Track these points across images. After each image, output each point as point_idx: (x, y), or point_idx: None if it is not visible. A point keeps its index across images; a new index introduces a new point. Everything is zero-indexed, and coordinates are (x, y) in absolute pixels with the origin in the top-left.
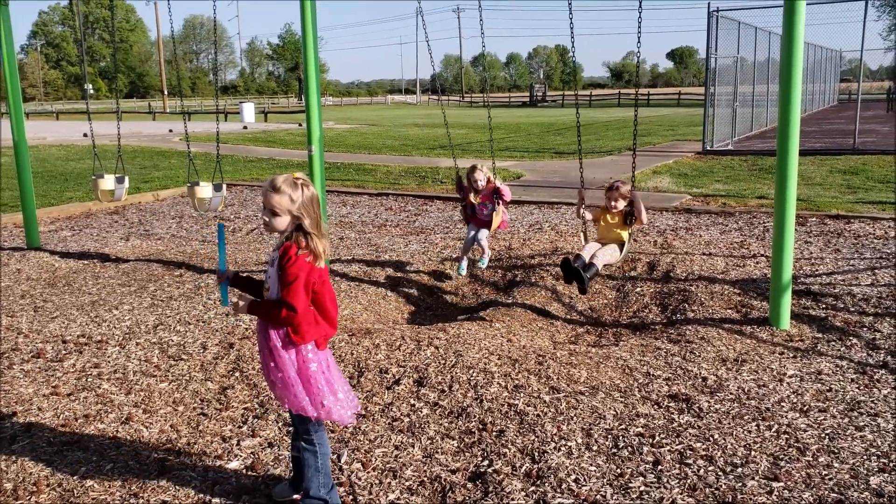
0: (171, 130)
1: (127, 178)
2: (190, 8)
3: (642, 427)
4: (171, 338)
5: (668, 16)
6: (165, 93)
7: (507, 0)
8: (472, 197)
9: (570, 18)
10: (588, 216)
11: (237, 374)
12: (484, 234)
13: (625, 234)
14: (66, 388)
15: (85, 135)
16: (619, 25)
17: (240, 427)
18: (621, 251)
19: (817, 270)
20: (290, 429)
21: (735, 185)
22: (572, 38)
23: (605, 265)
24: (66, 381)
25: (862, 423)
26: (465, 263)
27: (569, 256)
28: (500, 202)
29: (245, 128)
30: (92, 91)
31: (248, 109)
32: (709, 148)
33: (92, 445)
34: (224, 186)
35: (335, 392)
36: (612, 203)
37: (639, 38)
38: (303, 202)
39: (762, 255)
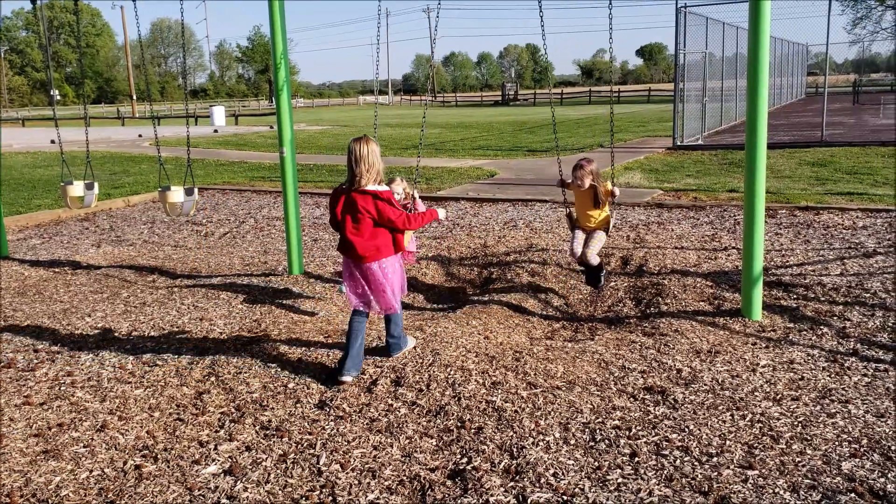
0: (140, 135)
1: (97, 185)
2: (157, 11)
3: (619, 420)
4: (145, 344)
5: (637, 13)
6: (134, 98)
7: (477, 0)
8: None
9: (542, 17)
10: (565, 179)
11: (213, 378)
12: None
13: (603, 214)
14: (38, 398)
15: (52, 141)
16: (588, 24)
17: (217, 431)
18: (606, 232)
19: (788, 262)
20: (267, 431)
21: (706, 179)
22: (544, 37)
23: (595, 254)
24: (38, 390)
25: (833, 410)
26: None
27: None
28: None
29: (216, 131)
30: (59, 97)
31: (219, 113)
32: (679, 143)
33: (67, 455)
34: (196, 190)
35: None
36: (578, 182)
37: (610, 35)
38: None
39: (733, 248)
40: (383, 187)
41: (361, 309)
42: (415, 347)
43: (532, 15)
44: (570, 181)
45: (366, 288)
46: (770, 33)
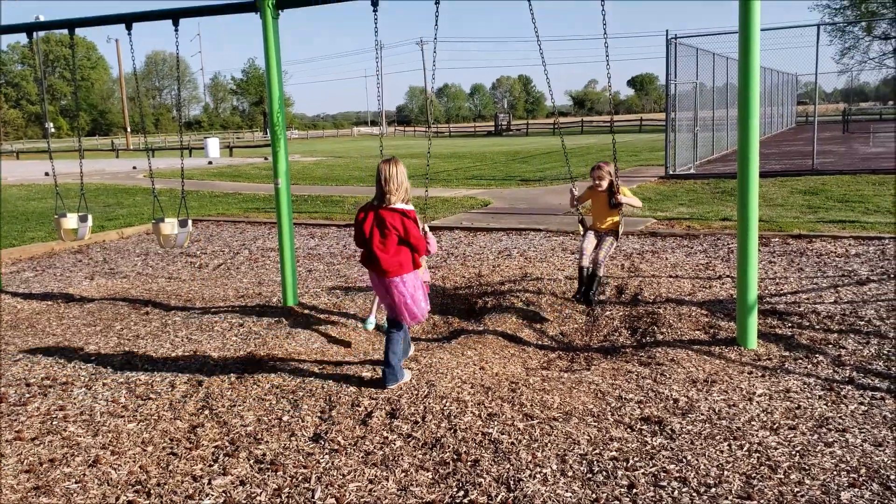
0: (134, 167)
1: (90, 217)
2: (152, 44)
3: (616, 451)
4: (138, 377)
5: (628, 44)
6: (128, 130)
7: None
8: None
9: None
10: (576, 192)
11: (207, 411)
12: None
13: (616, 217)
14: (30, 433)
15: (47, 174)
16: (580, 55)
17: (210, 466)
18: (616, 238)
19: (782, 290)
20: (261, 465)
21: (698, 207)
22: (545, 67)
23: (607, 259)
24: (30, 425)
25: (831, 439)
26: (372, 318)
27: (581, 266)
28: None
29: (210, 163)
30: (53, 129)
31: (213, 144)
32: (671, 172)
33: (58, 490)
34: (190, 222)
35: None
36: (597, 182)
37: (607, 63)
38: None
39: (728, 276)
40: (409, 206)
41: (396, 318)
42: (410, 380)
43: (525, 47)
44: (580, 195)
45: (391, 301)
46: (760, 63)
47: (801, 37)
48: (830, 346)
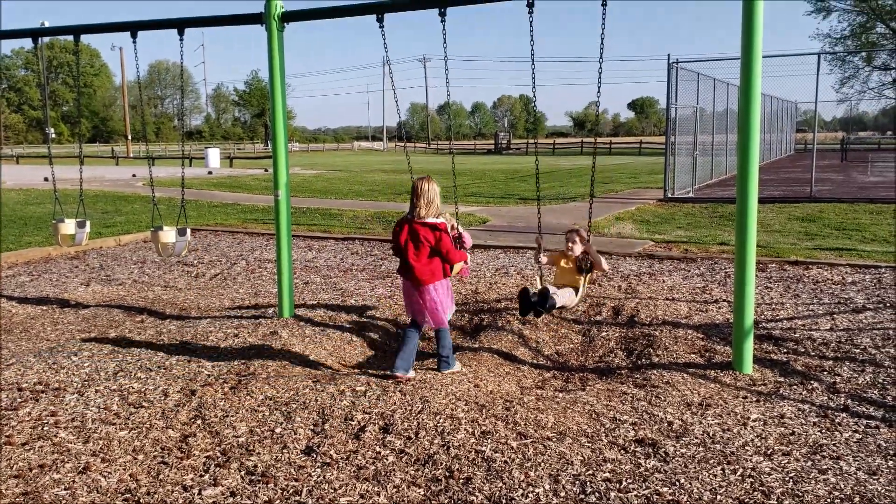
0: (134, 175)
1: (88, 223)
2: (156, 53)
3: (609, 472)
4: (131, 385)
5: (630, 67)
6: (129, 137)
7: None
8: None
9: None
10: (544, 260)
11: (199, 421)
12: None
13: (580, 281)
14: (20, 438)
15: (46, 179)
16: (581, 77)
17: (201, 476)
18: (577, 295)
19: (778, 315)
20: (253, 477)
21: (696, 231)
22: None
23: (560, 307)
24: (20, 430)
25: (825, 467)
26: None
27: (527, 287)
28: (462, 246)
29: (210, 173)
30: (54, 135)
31: (213, 155)
32: (670, 195)
33: (47, 497)
34: (188, 231)
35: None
36: (570, 245)
37: (599, 89)
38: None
39: (724, 301)
40: (440, 220)
41: (417, 321)
42: (403, 394)
43: (527, 66)
44: (548, 254)
45: (421, 306)
46: (761, 89)
47: (801, 65)
48: (826, 373)
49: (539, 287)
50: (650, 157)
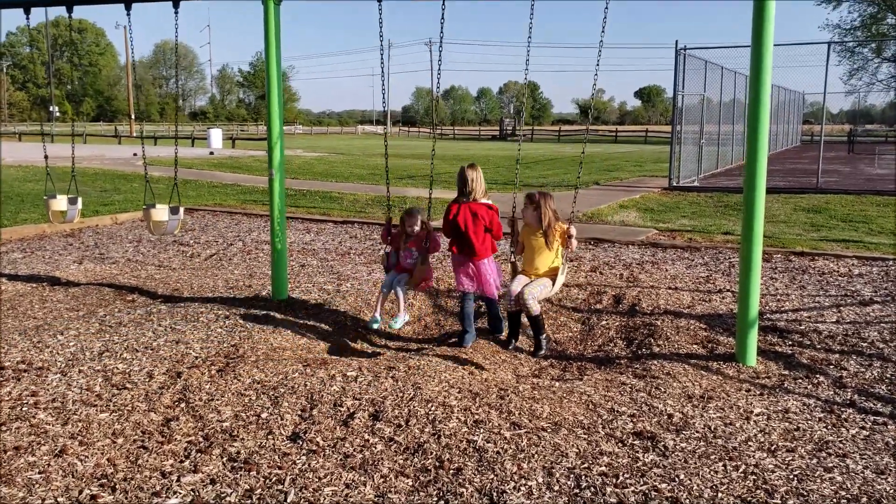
0: (135, 154)
1: (80, 200)
2: (162, 33)
3: (606, 466)
4: (116, 365)
5: (637, 55)
6: (133, 117)
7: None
8: (401, 243)
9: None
10: (515, 251)
11: (183, 404)
12: (402, 286)
13: (552, 262)
14: None
15: (46, 156)
16: (588, 63)
17: (181, 462)
18: (553, 283)
19: (783, 307)
20: (235, 464)
21: (701, 220)
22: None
23: (540, 300)
24: None
25: (831, 465)
26: (378, 314)
27: (507, 310)
28: (428, 251)
29: (212, 153)
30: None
31: (216, 135)
32: (675, 184)
33: (20, 481)
34: (181, 209)
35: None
36: (524, 213)
37: (596, 74)
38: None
39: (728, 291)
40: (491, 202)
41: (470, 292)
42: (395, 380)
43: (534, 53)
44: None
45: (476, 278)
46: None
47: (810, 55)
48: (832, 366)
49: (510, 275)
50: (656, 146)
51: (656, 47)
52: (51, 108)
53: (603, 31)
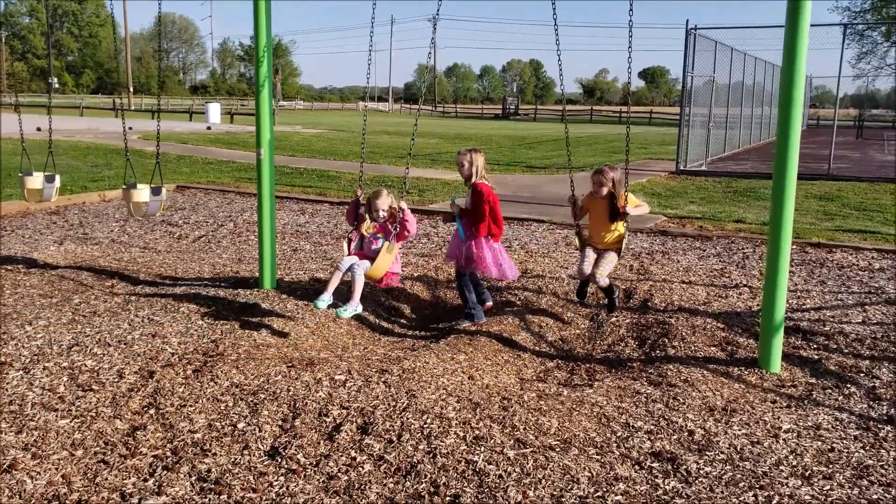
0: (130, 128)
1: (58, 178)
2: (165, 5)
3: (622, 495)
4: (84, 362)
5: (642, 34)
6: (131, 90)
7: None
8: (364, 227)
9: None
10: (579, 203)
11: (152, 410)
12: (361, 271)
13: (618, 231)
14: None
15: (38, 129)
16: (591, 42)
17: (145, 481)
18: (619, 255)
19: (804, 304)
20: (204, 485)
21: (710, 207)
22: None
23: (605, 276)
24: None
25: (875, 496)
26: (328, 295)
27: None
28: (397, 237)
29: (209, 128)
30: (57, 85)
31: (214, 110)
32: (682, 168)
33: None
34: (164, 190)
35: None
36: (597, 188)
37: (630, 54)
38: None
39: (745, 286)
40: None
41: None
42: (388, 386)
43: (536, 31)
44: (580, 197)
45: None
46: (775, 61)
47: (817, 38)
48: (863, 374)
49: (577, 247)
50: (660, 128)
51: (662, 27)
52: (50, 80)
53: (631, 10)
